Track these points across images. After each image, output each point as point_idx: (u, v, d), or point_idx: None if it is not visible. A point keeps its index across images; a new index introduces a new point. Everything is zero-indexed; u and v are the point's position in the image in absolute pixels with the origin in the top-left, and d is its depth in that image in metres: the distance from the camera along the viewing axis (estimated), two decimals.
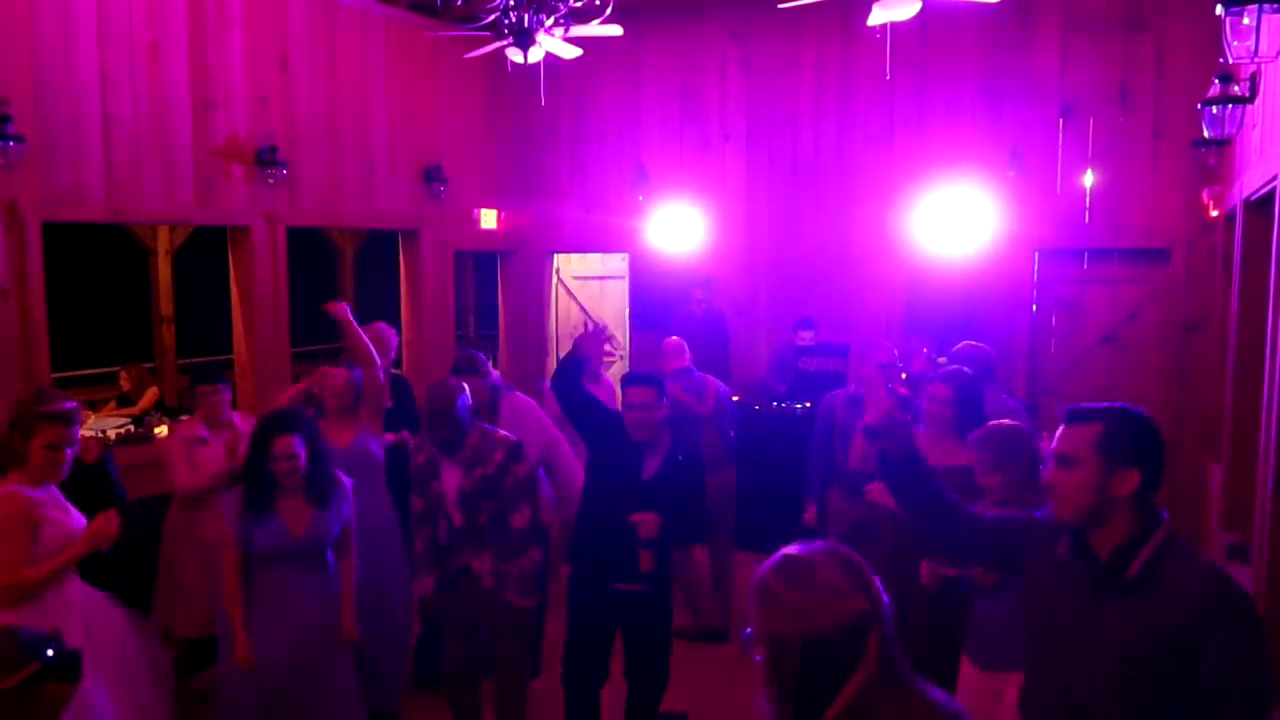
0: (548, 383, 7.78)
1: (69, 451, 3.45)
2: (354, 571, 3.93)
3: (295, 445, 3.65)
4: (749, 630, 1.69)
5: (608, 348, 4.35)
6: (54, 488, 3.49)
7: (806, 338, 7.34)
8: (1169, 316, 6.89)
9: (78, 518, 3.50)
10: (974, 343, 4.82)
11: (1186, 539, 2.15)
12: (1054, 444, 2.20)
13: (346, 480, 3.93)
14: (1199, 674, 1.96)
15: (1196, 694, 1.97)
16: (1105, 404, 2.18)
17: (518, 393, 5.37)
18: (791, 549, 1.70)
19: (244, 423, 4.89)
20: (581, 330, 4.22)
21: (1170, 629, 2.00)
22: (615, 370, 9.00)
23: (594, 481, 4.14)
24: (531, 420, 5.06)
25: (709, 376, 5.91)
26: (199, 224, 6.71)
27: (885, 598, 1.64)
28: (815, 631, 1.60)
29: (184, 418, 5.92)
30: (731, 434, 5.95)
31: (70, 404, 3.55)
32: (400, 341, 5.70)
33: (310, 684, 3.75)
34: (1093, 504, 2.10)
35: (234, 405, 5.05)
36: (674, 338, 6.00)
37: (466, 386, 4.08)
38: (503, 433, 4.09)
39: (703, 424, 5.68)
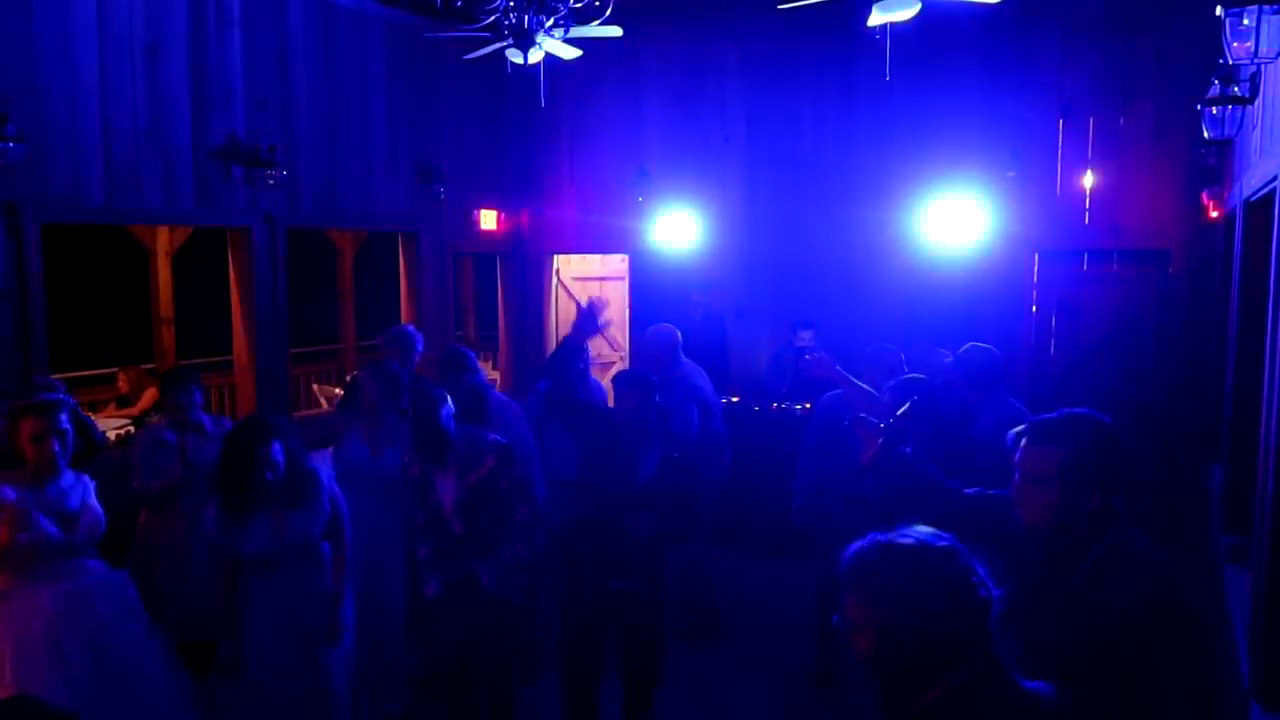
0: (542, 383, 7.76)
1: (55, 443, 3.46)
2: (344, 567, 3.94)
3: (275, 453, 3.66)
4: (838, 617, 1.64)
5: (603, 321, 4.42)
6: (62, 483, 3.51)
7: (806, 338, 7.34)
8: (1169, 317, 6.88)
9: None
10: (982, 345, 4.78)
11: (1143, 539, 2.16)
12: (1019, 457, 2.22)
13: (325, 472, 3.93)
14: (1143, 681, 1.99)
15: (1140, 701, 1.99)
16: (1069, 418, 2.19)
17: (495, 391, 5.42)
18: (892, 536, 1.64)
19: (214, 425, 4.83)
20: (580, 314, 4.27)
21: (1114, 632, 2.02)
22: (614, 370, 9.00)
23: (588, 481, 4.14)
24: (514, 420, 5.10)
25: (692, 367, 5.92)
26: (198, 225, 6.71)
27: (993, 587, 1.61)
28: (934, 625, 1.56)
29: (153, 418, 5.82)
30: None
31: (52, 395, 3.57)
32: (424, 343, 5.70)
33: (305, 685, 3.76)
34: (1055, 524, 2.15)
35: (206, 407, 4.98)
36: (665, 325, 5.94)
37: (449, 397, 4.02)
38: (492, 436, 4.04)
39: (706, 412, 5.71)
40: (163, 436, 4.65)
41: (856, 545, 1.65)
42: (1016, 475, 2.22)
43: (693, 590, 5.77)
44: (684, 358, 5.85)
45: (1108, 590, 2.08)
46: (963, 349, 4.75)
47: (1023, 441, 2.23)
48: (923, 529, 1.66)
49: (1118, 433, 2.19)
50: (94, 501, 3.65)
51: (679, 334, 5.87)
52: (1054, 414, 2.24)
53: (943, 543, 1.62)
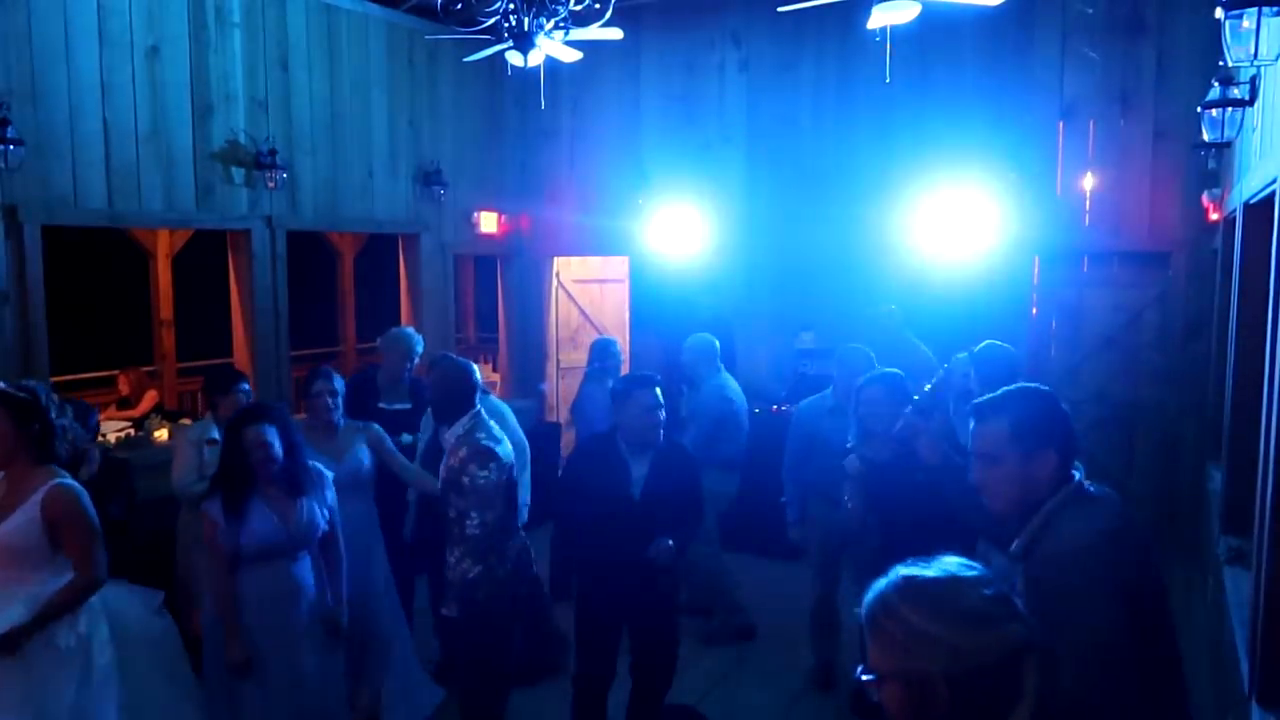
0: (544, 386, 7.81)
1: None
2: (342, 561, 3.95)
3: (266, 433, 3.65)
4: (863, 670, 1.47)
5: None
6: None
7: (807, 340, 7.33)
8: (1169, 320, 6.88)
9: None
10: (999, 343, 4.77)
11: (1095, 507, 2.13)
12: (971, 444, 2.24)
13: (326, 471, 3.94)
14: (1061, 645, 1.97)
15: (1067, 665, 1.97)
16: (1005, 392, 2.24)
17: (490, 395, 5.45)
18: (914, 570, 1.48)
19: None
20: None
21: (1035, 602, 1.97)
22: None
23: (590, 500, 4.08)
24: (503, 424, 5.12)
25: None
26: (199, 228, 6.72)
27: (1034, 622, 1.46)
28: (967, 668, 1.39)
29: (154, 420, 5.94)
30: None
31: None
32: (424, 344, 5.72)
33: (305, 675, 3.76)
34: (1020, 493, 2.15)
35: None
36: (704, 335, 6.00)
37: (475, 367, 4.05)
38: (478, 435, 3.83)
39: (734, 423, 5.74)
40: (212, 434, 4.64)
41: (878, 585, 1.50)
42: (973, 463, 2.23)
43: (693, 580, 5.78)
44: (722, 368, 5.89)
45: (1034, 556, 2.08)
46: (980, 346, 4.73)
47: (971, 427, 2.25)
48: (950, 560, 1.50)
49: (1055, 395, 2.24)
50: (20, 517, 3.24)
51: (717, 344, 5.89)
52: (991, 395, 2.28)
53: (972, 572, 1.48)
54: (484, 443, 3.72)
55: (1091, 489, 2.20)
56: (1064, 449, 2.16)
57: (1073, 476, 2.18)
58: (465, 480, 3.65)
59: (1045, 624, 1.95)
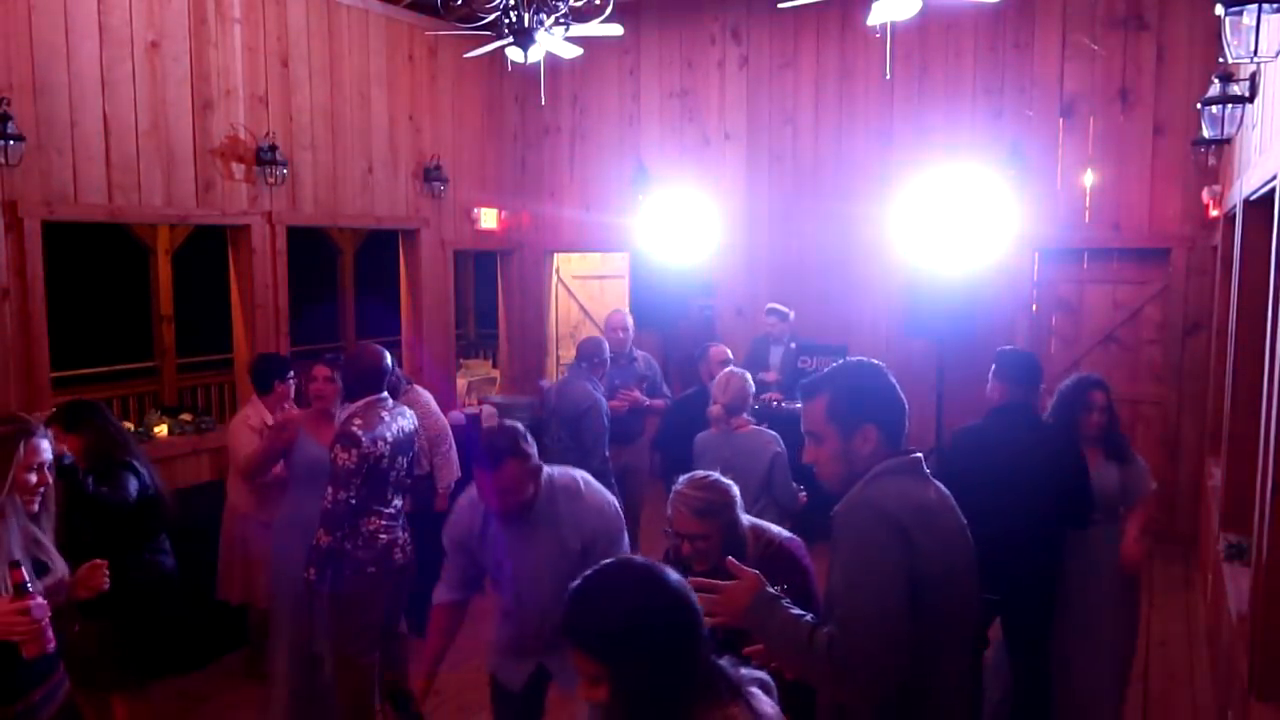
0: (544, 382, 7.79)
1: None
2: None
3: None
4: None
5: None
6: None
7: (773, 324, 7.15)
8: (1169, 316, 6.89)
9: None
10: (1014, 348, 4.69)
11: (914, 478, 2.12)
12: (801, 423, 2.24)
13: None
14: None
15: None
16: (829, 370, 2.23)
17: (417, 387, 5.48)
18: None
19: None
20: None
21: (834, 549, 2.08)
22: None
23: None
24: (424, 413, 5.20)
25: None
26: (199, 224, 6.72)
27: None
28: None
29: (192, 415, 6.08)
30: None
31: None
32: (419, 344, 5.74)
33: None
34: (844, 470, 2.14)
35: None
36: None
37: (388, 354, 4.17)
38: (357, 421, 3.90)
39: None
40: (269, 422, 4.70)
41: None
42: (806, 442, 2.24)
43: None
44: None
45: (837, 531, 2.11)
46: (1004, 349, 4.41)
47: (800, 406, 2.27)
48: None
49: (880, 369, 2.20)
50: None
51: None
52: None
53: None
54: (353, 429, 3.87)
55: (917, 466, 2.16)
56: (886, 423, 2.14)
57: (903, 451, 2.15)
58: (331, 456, 3.86)
59: (835, 560, 2.05)
